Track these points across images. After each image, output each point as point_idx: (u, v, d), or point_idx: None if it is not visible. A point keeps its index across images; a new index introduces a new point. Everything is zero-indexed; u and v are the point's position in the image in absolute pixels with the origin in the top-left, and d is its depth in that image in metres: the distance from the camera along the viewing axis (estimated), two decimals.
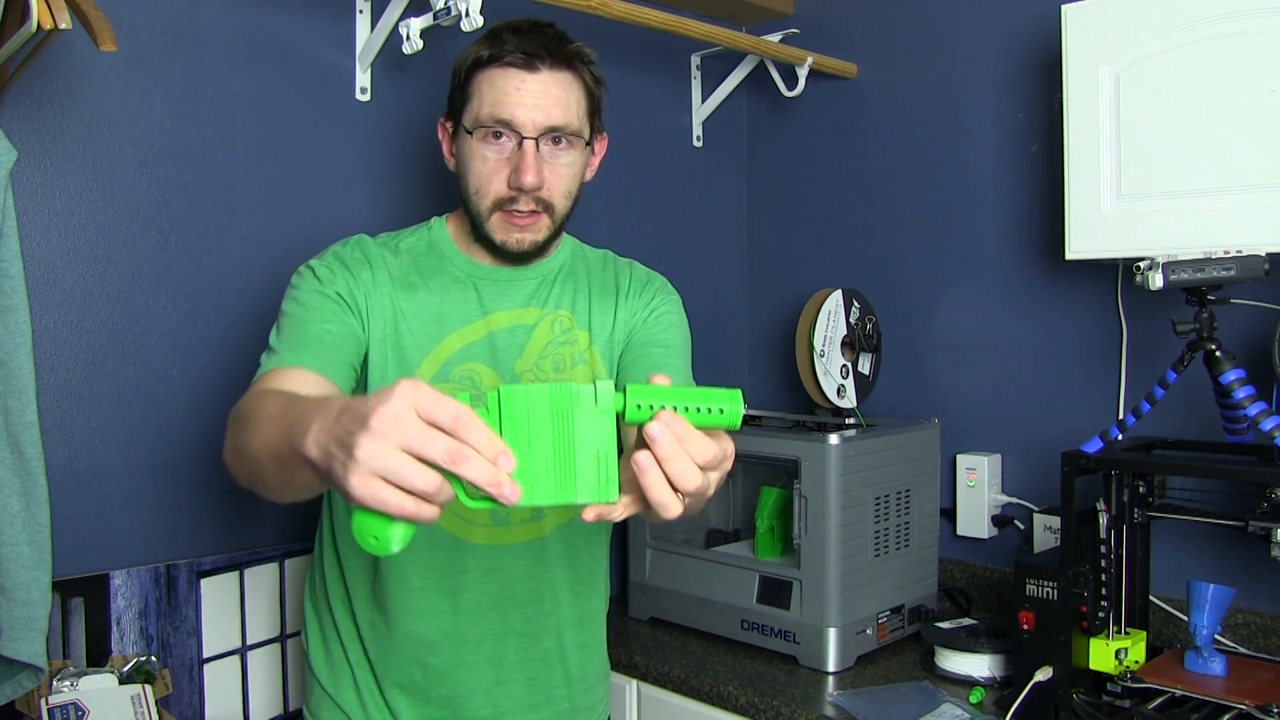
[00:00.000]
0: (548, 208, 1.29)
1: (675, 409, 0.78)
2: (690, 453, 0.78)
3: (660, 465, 0.78)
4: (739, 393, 0.80)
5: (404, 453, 0.73)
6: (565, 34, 1.29)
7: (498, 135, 1.26)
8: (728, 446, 0.83)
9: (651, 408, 0.78)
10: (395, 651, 1.34)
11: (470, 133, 1.28)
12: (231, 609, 1.67)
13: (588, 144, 1.33)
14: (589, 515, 0.81)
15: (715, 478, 0.83)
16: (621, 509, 0.82)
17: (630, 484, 0.81)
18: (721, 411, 0.80)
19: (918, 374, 2.17)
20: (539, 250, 1.33)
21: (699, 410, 0.79)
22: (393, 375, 1.28)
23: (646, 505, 0.82)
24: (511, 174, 1.26)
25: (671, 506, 0.80)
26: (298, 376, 1.18)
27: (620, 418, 0.79)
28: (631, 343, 1.39)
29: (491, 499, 0.76)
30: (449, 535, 1.31)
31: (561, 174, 1.29)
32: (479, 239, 1.33)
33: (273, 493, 1.02)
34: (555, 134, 1.26)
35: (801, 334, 1.97)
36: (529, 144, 1.25)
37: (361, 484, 0.75)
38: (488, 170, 1.27)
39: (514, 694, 1.37)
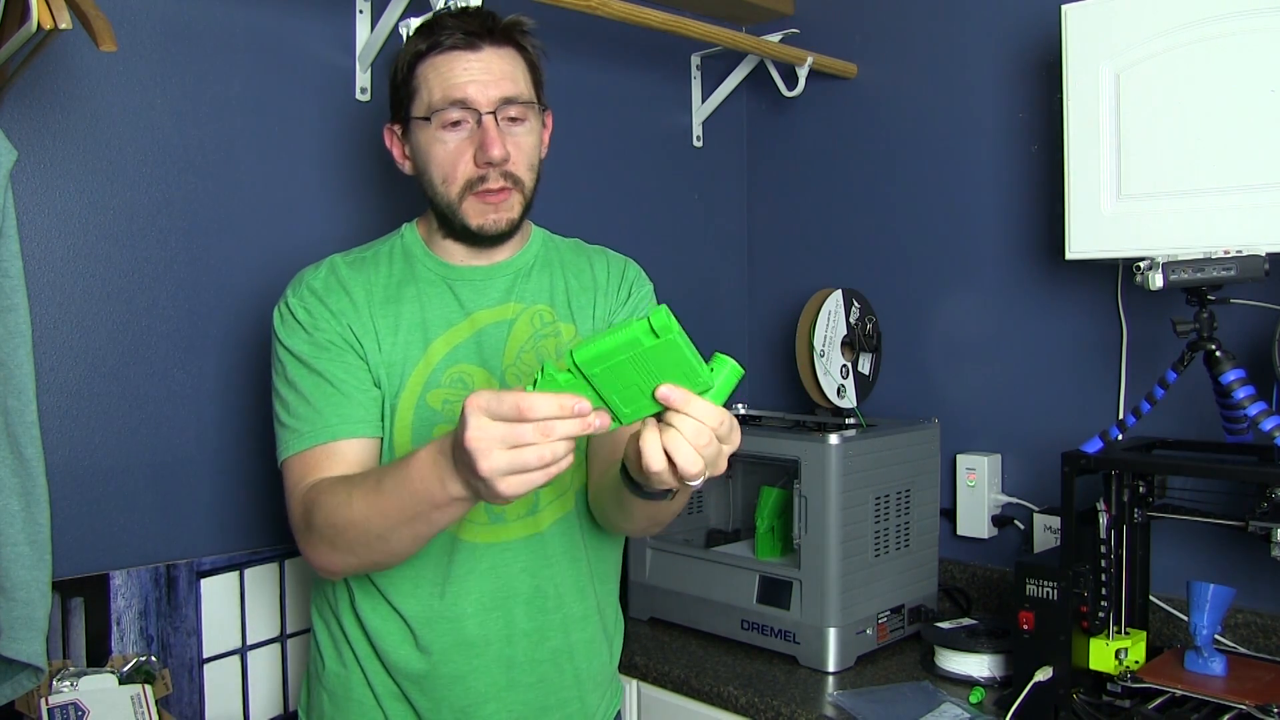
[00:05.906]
0: (516, 182, 1.29)
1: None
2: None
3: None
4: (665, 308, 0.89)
5: (511, 449, 0.90)
6: (497, 14, 1.29)
7: (455, 123, 1.26)
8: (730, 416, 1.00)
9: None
10: (407, 661, 1.31)
11: (427, 119, 1.27)
12: (231, 609, 1.67)
13: (543, 110, 1.33)
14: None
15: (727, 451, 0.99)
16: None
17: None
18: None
19: (918, 374, 2.17)
20: (514, 229, 1.32)
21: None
22: (388, 390, 1.28)
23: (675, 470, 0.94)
24: (477, 151, 1.26)
25: (693, 461, 0.93)
26: (342, 453, 1.24)
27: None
28: None
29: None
30: (446, 536, 1.29)
31: (523, 145, 1.29)
32: (451, 233, 1.33)
33: (397, 558, 1.17)
34: (510, 103, 1.26)
35: (801, 334, 1.97)
36: (488, 119, 1.25)
37: (508, 487, 0.92)
38: (451, 155, 1.27)
39: (526, 698, 1.34)
